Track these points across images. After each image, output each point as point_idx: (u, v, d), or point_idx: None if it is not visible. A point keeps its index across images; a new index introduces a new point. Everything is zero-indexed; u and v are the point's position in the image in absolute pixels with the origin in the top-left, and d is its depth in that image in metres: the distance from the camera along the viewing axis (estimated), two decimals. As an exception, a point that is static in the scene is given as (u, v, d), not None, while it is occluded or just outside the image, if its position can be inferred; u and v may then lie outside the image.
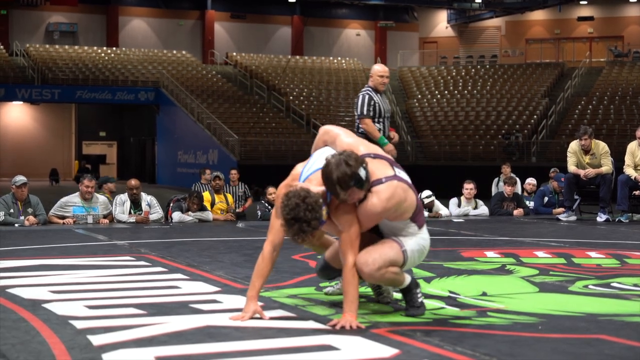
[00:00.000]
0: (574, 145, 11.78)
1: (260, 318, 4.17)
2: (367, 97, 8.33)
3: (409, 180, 4.37)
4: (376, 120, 8.34)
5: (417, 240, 4.37)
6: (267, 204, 12.19)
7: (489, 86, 37.68)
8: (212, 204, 12.22)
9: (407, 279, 4.39)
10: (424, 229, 4.43)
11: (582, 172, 11.57)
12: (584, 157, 11.68)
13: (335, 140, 4.46)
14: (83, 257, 6.94)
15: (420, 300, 4.39)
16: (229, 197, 12.80)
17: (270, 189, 12.24)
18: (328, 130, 4.58)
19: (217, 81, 37.28)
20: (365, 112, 8.26)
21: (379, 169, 4.25)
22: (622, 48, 41.82)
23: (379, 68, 8.50)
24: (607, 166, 11.68)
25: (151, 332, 3.88)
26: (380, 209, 4.17)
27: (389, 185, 4.19)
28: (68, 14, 40.87)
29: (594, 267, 6.44)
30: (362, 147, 4.38)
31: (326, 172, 4.09)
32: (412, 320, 4.25)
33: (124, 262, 6.65)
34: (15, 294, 4.95)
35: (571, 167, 11.72)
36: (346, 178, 4.03)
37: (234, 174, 14.85)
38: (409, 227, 4.34)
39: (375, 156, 4.33)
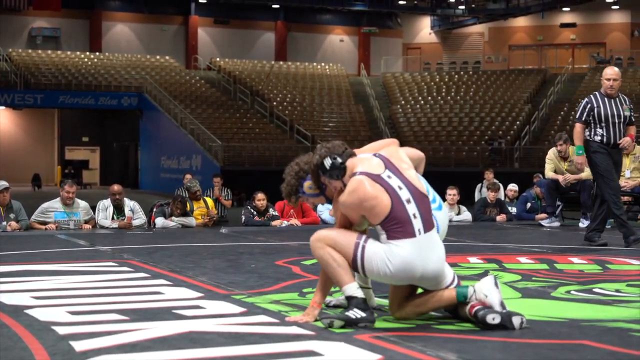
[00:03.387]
0: (551, 153, 11.83)
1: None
2: (584, 101, 8.62)
3: (398, 186, 4.16)
4: (598, 126, 8.51)
5: (388, 247, 4.15)
6: (252, 210, 11.93)
7: (472, 92, 37.82)
8: (191, 210, 12.11)
9: (349, 286, 4.17)
10: (402, 245, 4.13)
11: (560, 177, 11.59)
12: (563, 163, 11.73)
13: None
14: (65, 263, 6.90)
15: (354, 317, 4.10)
16: (209, 200, 12.67)
17: (260, 195, 12.00)
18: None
19: (200, 86, 37.23)
20: (577, 117, 8.59)
21: (365, 165, 4.24)
22: (605, 54, 42.12)
23: (607, 71, 8.66)
24: (586, 172, 11.71)
25: (134, 338, 3.87)
26: (342, 201, 4.21)
27: (355, 179, 4.18)
28: (51, 18, 40.72)
29: (576, 273, 6.46)
30: (377, 146, 4.50)
31: None
32: (396, 325, 4.25)
33: (106, 268, 6.62)
34: (-3, 300, 4.92)
35: (548, 173, 11.76)
36: (314, 168, 4.34)
37: (217, 181, 14.49)
38: (380, 233, 4.21)
39: (379, 156, 4.31)
